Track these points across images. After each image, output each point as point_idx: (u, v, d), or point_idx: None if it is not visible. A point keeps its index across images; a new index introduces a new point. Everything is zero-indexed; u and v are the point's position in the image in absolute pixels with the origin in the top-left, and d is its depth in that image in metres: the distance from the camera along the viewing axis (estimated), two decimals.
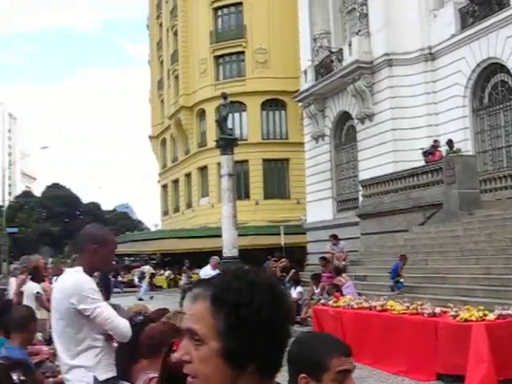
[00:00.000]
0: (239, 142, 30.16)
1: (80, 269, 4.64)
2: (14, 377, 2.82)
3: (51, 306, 4.83)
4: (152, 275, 41.63)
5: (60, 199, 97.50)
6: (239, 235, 27.43)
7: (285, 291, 1.75)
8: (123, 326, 4.45)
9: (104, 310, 4.47)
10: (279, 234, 36.56)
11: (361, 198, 26.85)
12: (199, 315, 1.59)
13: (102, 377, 4.49)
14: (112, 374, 4.57)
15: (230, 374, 1.56)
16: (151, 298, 32.74)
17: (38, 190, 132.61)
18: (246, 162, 47.16)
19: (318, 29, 32.69)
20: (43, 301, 9.46)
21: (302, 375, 2.47)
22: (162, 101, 62.98)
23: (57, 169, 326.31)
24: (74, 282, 4.56)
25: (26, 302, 8.86)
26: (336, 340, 2.64)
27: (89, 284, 4.55)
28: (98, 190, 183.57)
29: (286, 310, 1.65)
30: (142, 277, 38.75)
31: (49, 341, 8.34)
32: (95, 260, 4.70)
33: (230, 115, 32.27)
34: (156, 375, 4.01)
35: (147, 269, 42.06)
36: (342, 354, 2.52)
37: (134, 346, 4.67)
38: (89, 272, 4.67)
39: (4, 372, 2.90)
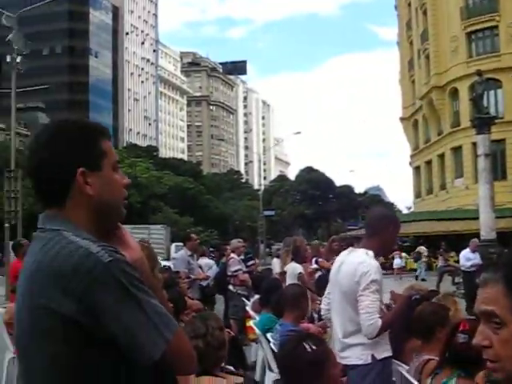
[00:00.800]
0: (495, 121, 29.05)
1: (371, 253, 4.59)
2: (307, 346, 3.22)
3: (331, 284, 4.98)
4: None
5: (313, 182, 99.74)
6: (496, 217, 26.44)
7: None
8: (371, 323, 4.38)
9: (366, 300, 4.42)
10: None
11: None
12: (492, 298, 1.56)
13: (380, 356, 4.52)
14: (388, 353, 4.60)
15: None
16: (417, 278, 32.47)
17: (291, 174, 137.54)
18: (502, 141, 45.06)
19: None
20: (305, 281, 9.52)
21: None
22: (413, 81, 62.02)
23: (309, 153, 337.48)
24: (363, 264, 4.52)
25: (288, 281, 9.15)
26: None
27: (375, 271, 4.50)
28: (349, 173, 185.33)
29: None
30: (418, 257, 38.29)
31: (310, 318, 8.73)
32: (387, 241, 4.75)
33: (485, 93, 31.20)
34: (432, 357, 4.14)
35: (423, 249, 41.71)
36: None
37: (407, 322, 4.81)
38: (377, 254, 4.67)
39: (297, 341, 3.32)
